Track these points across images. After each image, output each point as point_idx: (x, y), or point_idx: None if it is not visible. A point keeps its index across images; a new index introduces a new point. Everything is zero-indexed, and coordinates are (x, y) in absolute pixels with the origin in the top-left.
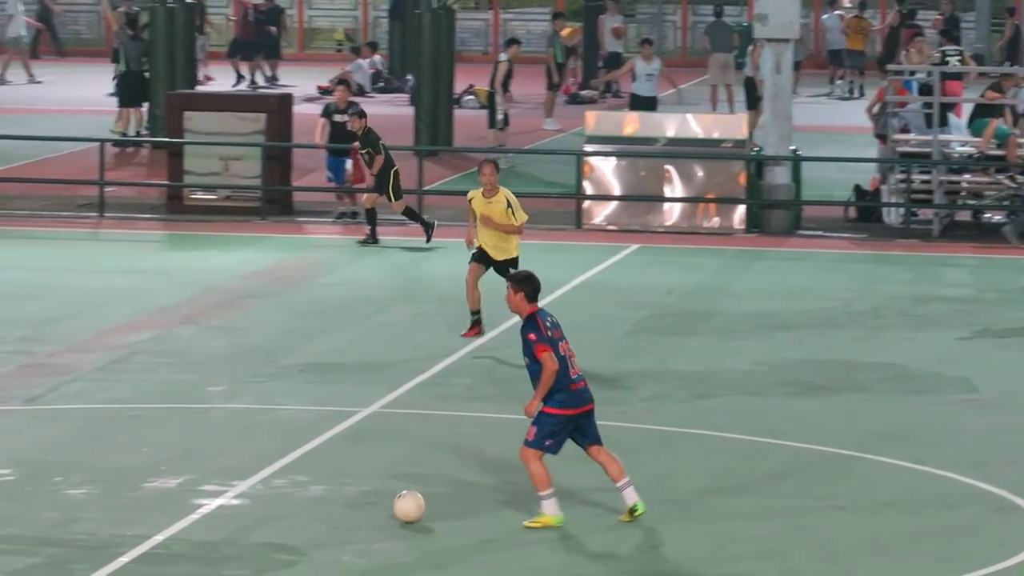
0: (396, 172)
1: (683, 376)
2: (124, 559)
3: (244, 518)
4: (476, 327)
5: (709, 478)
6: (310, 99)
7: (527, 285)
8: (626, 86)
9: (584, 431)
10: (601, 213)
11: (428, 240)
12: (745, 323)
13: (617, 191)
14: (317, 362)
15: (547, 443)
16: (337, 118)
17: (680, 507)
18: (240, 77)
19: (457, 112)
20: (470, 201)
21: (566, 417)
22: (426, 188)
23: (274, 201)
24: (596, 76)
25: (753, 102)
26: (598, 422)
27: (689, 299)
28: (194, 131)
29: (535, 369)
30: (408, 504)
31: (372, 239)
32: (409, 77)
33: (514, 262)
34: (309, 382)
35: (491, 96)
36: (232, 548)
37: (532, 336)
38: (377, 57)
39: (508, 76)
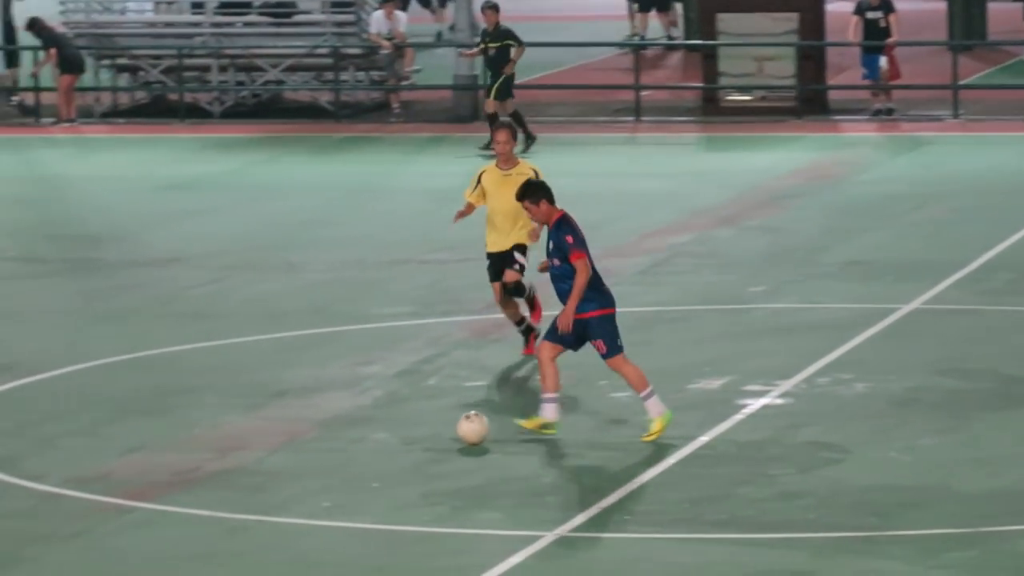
0: (512, 76)
1: None
2: (671, 460)
3: (788, 417)
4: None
5: None
6: None
7: (543, 191)
8: None
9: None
10: None
11: (484, 147)
12: None
13: None
14: (857, 260)
15: (619, 343)
16: (870, 15)
17: None
18: None
19: (992, 5)
20: (479, 177)
21: (615, 314)
22: (960, 83)
23: (809, 100)
24: None
25: None
26: None
27: None
28: (727, 32)
29: (564, 271)
30: (472, 429)
31: (529, 136)
32: None
33: (522, 249)
34: (849, 280)
35: None
36: (777, 448)
37: (570, 239)
38: None
39: None
